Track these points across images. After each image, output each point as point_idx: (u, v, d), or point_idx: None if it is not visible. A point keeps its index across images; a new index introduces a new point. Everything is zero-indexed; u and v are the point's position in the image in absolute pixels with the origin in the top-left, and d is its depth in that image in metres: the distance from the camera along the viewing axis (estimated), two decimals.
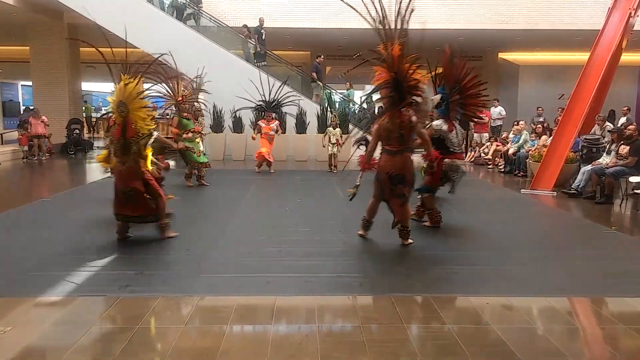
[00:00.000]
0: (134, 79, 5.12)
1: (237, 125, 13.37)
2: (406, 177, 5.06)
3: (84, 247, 5.07)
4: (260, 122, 11.39)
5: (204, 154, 9.43)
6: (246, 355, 3.07)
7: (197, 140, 9.24)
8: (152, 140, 5.23)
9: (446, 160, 5.91)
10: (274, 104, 11.88)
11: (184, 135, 8.73)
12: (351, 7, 5.01)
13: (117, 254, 4.91)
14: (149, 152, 5.28)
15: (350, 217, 6.71)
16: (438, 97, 6.02)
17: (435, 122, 5.99)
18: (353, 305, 3.80)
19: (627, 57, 12.04)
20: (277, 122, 11.50)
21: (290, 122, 13.32)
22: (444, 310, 3.75)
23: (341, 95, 15.72)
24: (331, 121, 11.65)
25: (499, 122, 15.36)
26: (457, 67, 5.87)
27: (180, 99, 8.74)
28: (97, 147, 15.40)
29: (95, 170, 11.32)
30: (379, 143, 5.21)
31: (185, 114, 8.82)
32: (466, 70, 5.89)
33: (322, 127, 13.32)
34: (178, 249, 5.12)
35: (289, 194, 8.60)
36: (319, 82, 15.10)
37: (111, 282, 4.16)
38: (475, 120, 6.54)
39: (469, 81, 5.89)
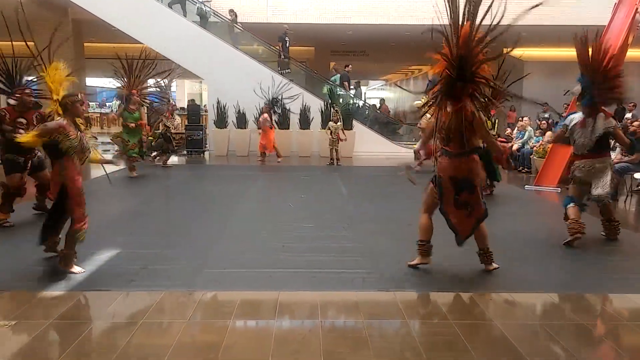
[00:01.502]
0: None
1: (241, 121, 13.36)
2: (473, 183, 4.24)
3: (88, 242, 5.07)
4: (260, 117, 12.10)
5: (143, 151, 9.91)
6: (249, 350, 3.08)
7: (144, 133, 10.05)
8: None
9: (575, 162, 5.39)
10: (273, 99, 12.22)
11: (130, 125, 9.31)
12: None
13: (121, 249, 4.93)
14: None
15: (353, 213, 6.72)
16: (578, 87, 5.39)
17: (572, 116, 5.46)
18: (356, 300, 3.81)
19: (633, 53, 11.94)
20: (265, 115, 11.78)
21: (294, 118, 13.33)
22: (446, 306, 3.75)
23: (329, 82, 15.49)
24: (332, 116, 11.76)
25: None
26: (595, 50, 5.26)
27: (134, 91, 9.45)
28: (102, 142, 15.39)
29: (98, 166, 11.32)
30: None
31: (131, 107, 9.37)
32: (605, 52, 5.25)
33: (325, 123, 13.35)
34: (182, 245, 5.14)
35: (292, 189, 8.60)
36: (349, 92, 15.23)
37: (115, 277, 4.18)
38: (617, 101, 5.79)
39: (609, 62, 5.26)
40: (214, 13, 14.78)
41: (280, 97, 12.67)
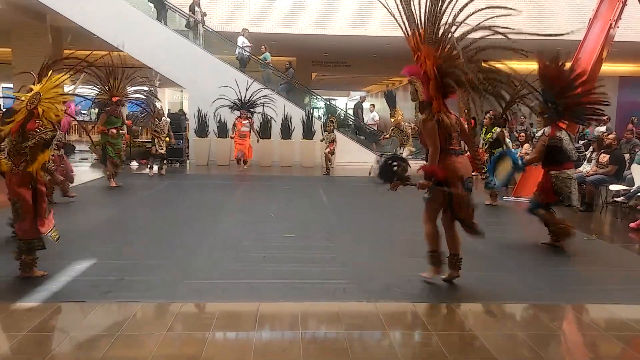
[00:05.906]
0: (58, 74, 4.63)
1: (222, 130, 13.28)
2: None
3: (63, 252, 4.97)
4: (236, 121, 12.10)
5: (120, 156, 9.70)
6: None
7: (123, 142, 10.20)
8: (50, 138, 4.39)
9: (552, 172, 5.64)
10: (248, 104, 12.19)
11: (110, 132, 9.07)
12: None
13: (97, 260, 4.83)
14: (44, 156, 4.34)
15: (334, 223, 6.71)
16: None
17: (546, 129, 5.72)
18: (337, 311, 3.79)
19: (607, 68, 12.26)
20: (249, 120, 12.00)
21: (276, 128, 13.32)
22: (427, 317, 3.76)
23: (260, 59, 15.28)
24: (327, 125, 12.06)
25: (374, 128, 16.83)
26: (559, 69, 5.63)
27: (115, 99, 9.14)
28: (80, 150, 15.15)
29: (76, 174, 11.13)
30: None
31: (115, 112, 9.19)
32: (571, 72, 5.67)
33: (307, 133, 13.38)
34: (160, 255, 5.06)
35: (273, 199, 8.57)
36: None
37: (92, 288, 4.09)
38: (595, 117, 6.24)
39: (577, 81, 5.66)
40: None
41: (253, 102, 12.55)
